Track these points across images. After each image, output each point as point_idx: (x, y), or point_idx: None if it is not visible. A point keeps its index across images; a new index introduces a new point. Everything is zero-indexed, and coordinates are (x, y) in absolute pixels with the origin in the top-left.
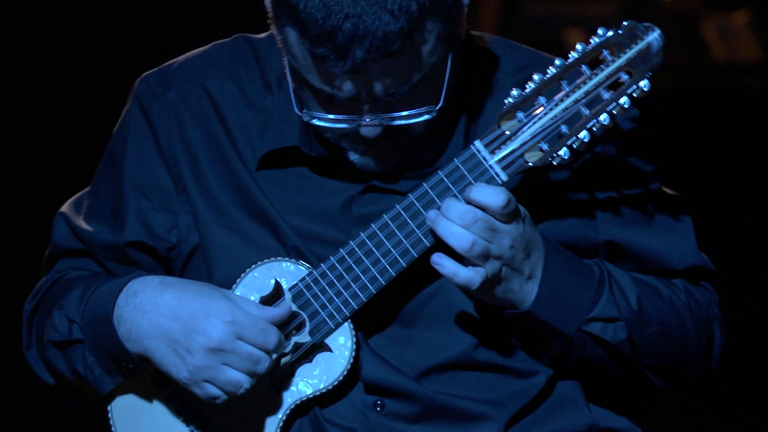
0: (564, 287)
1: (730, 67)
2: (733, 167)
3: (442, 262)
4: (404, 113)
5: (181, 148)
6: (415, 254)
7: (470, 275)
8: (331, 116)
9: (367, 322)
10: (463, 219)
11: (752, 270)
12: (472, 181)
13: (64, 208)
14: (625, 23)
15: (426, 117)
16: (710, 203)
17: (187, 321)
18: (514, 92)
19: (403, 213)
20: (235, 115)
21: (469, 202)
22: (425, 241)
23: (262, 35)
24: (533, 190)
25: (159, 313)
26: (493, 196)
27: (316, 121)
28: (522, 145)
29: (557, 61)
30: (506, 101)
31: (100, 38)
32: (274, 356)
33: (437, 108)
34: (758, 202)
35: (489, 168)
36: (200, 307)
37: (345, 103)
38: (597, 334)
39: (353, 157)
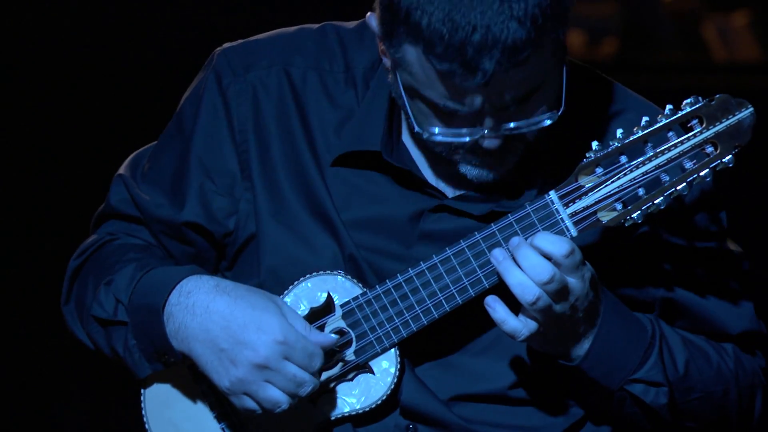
0: (615, 346)
1: (730, 68)
2: (732, 168)
3: (495, 306)
4: (526, 122)
5: (254, 135)
6: (472, 293)
7: (518, 327)
8: (453, 131)
9: (415, 339)
10: (540, 275)
11: (753, 270)
12: (541, 231)
13: (123, 170)
14: (718, 96)
15: (548, 122)
16: None
17: (236, 332)
18: (595, 146)
19: (467, 250)
20: (314, 107)
21: (533, 247)
22: (485, 282)
23: (351, 25)
24: (600, 241)
25: (210, 318)
26: (558, 245)
27: (438, 138)
28: (597, 203)
29: (644, 121)
30: (588, 154)
31: (100, 35)
32: (316, 382)
33: (559, 113)
34: (758, 203)
35: (560, 221)
36: (252, 320)
37: (465, 116)
38: (638, 395)
39: (465, 169)
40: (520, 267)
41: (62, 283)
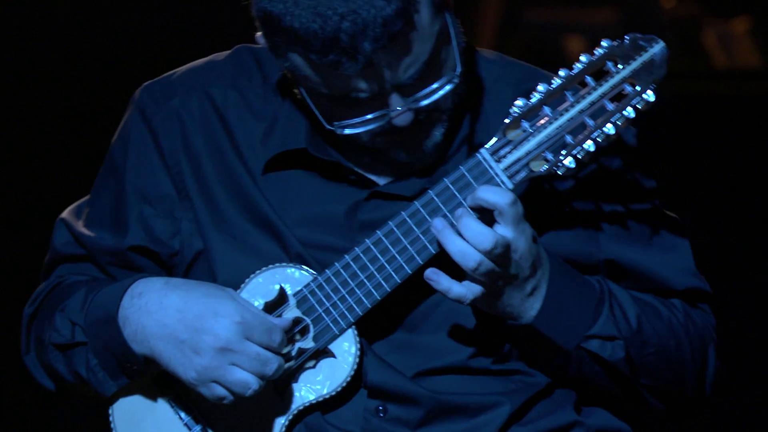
0: (566, 304)
1: (730, 74)
2: (733, 174)
3: (436, 278)
4: (428, 90)
5: (184, 156)
6: (420, 261)
7: (462, 292)
8: (360, 120)
9: (371, 327)
10: (483, 243)
11: (752, 275)
12: (482, 184)
13: (65, 214)
14: (627, 36)
15: (450, 87)
16: (711, 209)
17: (193, 321)
18: (519, 102)
19: (408, 220)
20: (238, 122)
21: (476, 202)
22: (430, 248)
23: (262, 42)
24: (539, 205)
25: (165, 313)
26: (502, 194)
27: (348, 130)
28: (527, 154)
29: (562, 72)
30: (511, 111)
31: (102, 43)
32: (281, 359)
33: (458, 73)
34: (759, 208)
35: (495, 176)
36: (207, 307)
37: (370, 102)
38: (595, 351)
39: (395, 154)
40: (461, 236)
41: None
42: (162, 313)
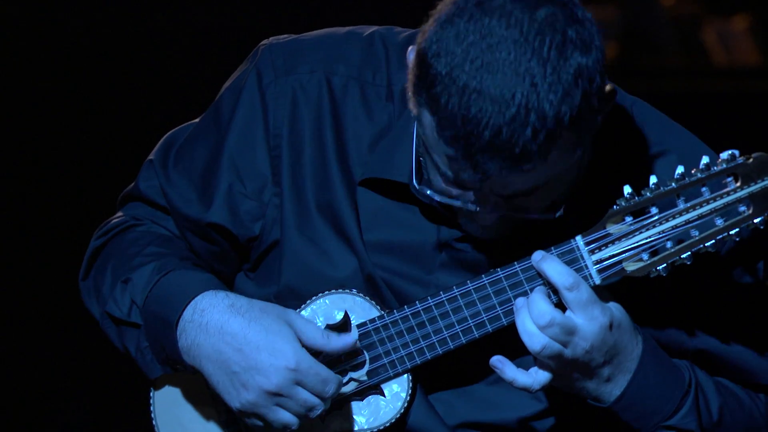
0: (650, 392)
1: (729, 72)
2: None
3: (502, 367)
4: (522, 213)
5: (288, 140)
6: (489, 329)
7: (528, 382)
8: (444, 198)
9: (430, 365)
10: (540, 319)
11: None
12: (554, 257)
13: (155, 154)
14: (755, 155)
15: (543, 218)
16: None
17: (249, 356)
18: (627, 192)
19: (488, 287)
20: (351, 119)
21: (538, 270)
22: (503, 320)
23: (400, 36)
24: (631, 290)
25: (223, 339)
26: (563, 276)
27: (433, 196)
28: (623, 252)
29: (678, 172)
30: (618, 202)
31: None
32: (325, 405)
33: (556, 216)
34: None
35: (584, 267)
36: (266, 344)
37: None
38: None
39: (462, 221)
40: (530, 315)
41: (70, 283)
42: (219, 338)
